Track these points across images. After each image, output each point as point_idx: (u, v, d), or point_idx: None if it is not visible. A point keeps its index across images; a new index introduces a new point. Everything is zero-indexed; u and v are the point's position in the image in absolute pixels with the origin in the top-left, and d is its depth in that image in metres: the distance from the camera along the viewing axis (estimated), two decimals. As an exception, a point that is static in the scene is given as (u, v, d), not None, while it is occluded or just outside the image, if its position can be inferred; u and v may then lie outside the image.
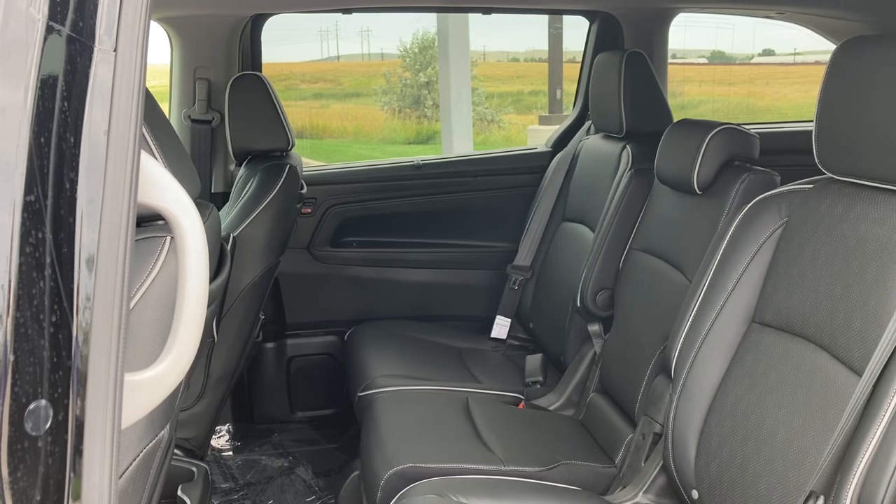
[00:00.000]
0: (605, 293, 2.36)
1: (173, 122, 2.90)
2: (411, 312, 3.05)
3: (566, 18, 5.31)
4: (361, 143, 13.46)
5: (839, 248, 1.44)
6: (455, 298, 3.13)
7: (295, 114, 12.50)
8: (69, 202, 0.62)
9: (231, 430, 2.99)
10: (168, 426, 1.29)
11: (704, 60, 15.10)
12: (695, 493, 1.65)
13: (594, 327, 2.41)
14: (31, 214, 0.57)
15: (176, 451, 2.02)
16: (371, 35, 16.21)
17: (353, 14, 2.97)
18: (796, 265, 1.53)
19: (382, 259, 3.13)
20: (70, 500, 0.62)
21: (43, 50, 0.58)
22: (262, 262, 2.32)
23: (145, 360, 0.92)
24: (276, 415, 3.03)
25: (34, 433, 0.58)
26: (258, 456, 2.81)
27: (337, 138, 13.76)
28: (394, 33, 14.60)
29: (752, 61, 15.08)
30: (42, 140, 0.58)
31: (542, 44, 7.98)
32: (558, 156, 3.00)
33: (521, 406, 2.41)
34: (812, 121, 1.49)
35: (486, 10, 3.04)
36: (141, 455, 1.12)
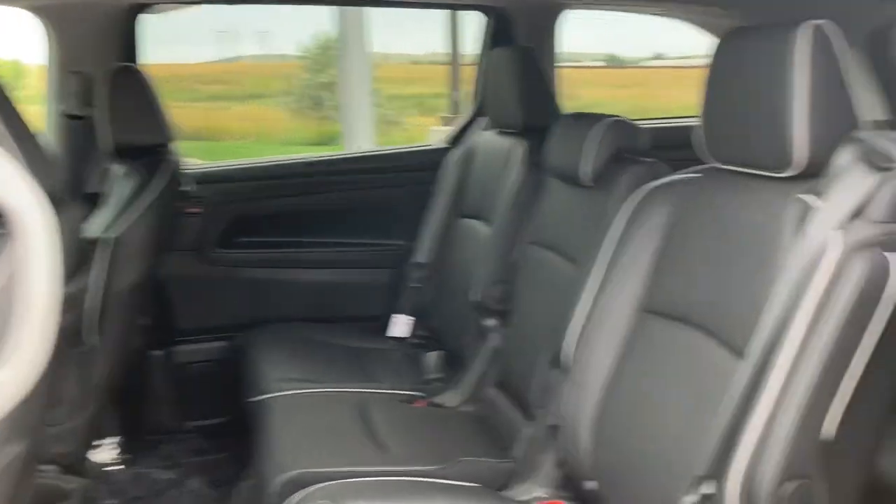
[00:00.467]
0: (499, 287, 2.36)
1: (51, 119, 2.73)
2: (307, 314, 2.96)
3: (465, 20, 5.34)
4: (263, 145, 13.18)
5: (721, 235, 1.46)
6: (353, 298, 3.06)
7: (192, 115, 12.15)
8: None
9: (118, 443, 2.86)
10: (26, 442, 1.20)
11: (602, 64, 15.50)
12: (591, 484, 1.65)
13: (491, 322, 2.40)
14: None
15: (49, 468, 1.89)
16: (270, 36, 15.94)
17: (251, 14, 2.89)
18: (683, 253, 1.55)
19: (276, 259, 3.04)
20: None
21: None
22: (143, 265, 2.21)
23: None
24: (166, 425, 2.90)
25: None
26: (147, 469, 2.69)
27: (238, 140, 13.43)
28: (294, 35, 14.38)
29: (645, 64, 15.58)
30: None
31: (442, 46, 8.00)
32: (454, 152, 2.99)
33: (420, 404, 2.38)
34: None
35: (383, 4, 3.00)
36: (-12, 472, 1.03)
